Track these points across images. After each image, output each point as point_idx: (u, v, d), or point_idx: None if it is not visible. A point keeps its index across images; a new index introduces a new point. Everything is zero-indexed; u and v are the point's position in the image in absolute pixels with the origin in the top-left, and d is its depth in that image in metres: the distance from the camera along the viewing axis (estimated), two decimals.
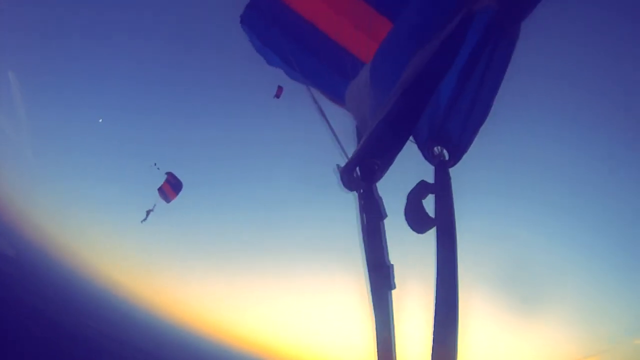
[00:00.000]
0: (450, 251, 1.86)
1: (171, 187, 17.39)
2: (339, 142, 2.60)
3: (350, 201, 2.19)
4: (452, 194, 1.98)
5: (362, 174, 2.04)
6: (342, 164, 2.10)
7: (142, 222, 18.74)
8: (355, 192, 2.11)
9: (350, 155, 2.20)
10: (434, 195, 2.01)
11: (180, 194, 17.72)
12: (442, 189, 2.00)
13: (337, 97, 4.03)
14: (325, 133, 2.88)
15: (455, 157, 2.10)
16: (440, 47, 1.71)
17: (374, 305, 1.92)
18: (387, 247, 2.01)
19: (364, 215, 2.08)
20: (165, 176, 17.33)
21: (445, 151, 2.15)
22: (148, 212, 18.45)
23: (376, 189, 2.10)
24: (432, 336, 1.76)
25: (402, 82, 1.85)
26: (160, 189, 17.31)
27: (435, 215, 1.95)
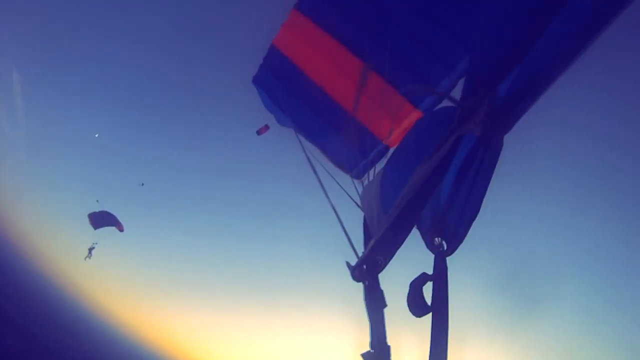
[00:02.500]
0: (443, 334, 2.09)
1: (118, 224, 17.02)
2: (349, 240, 2.99)
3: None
4: (447, 281, 2.25)
5: (367, 269, 2.53)
6: (350, 257, 2.73)
7: (85, 259, 17.89)
8: (362, 282, 2.55)
9: (355, 249, 2.85)
10: (431, 282, 2.29)
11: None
12: (439, 276, 2.28)
13: (345, 164, 4.41)
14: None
15: (453, 247, 2.41)
16: (436, 164, 2.13)
17: None
18: (386, 330, 2.37)
19: (369, 303, 2.48)
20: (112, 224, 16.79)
21: (444, 242, 2.48)
22: (90, 250, 17.64)
23: (378, 281, 2.52)
24: None
25: (405, 194, 2.26)
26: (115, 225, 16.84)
27: (432, 301, 2.21)
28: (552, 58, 1.78)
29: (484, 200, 2.24)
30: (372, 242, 2.56)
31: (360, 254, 2.80)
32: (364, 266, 2.55)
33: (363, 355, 2.30)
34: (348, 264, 2.68)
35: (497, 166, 2.13)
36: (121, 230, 16.87)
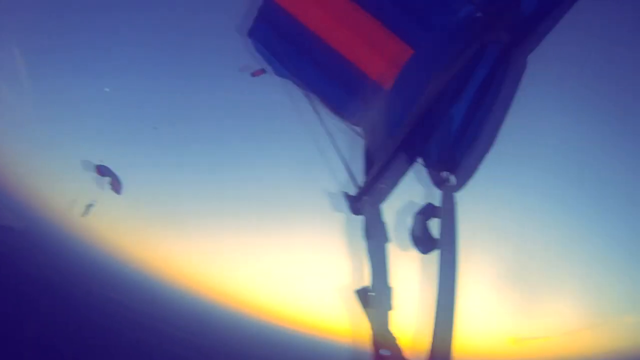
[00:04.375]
0: (451, 273, 1.95)
1: (117, 181, 17.10)
2: (347, 167, 2.71)
3: None
4: (456, 218, 2.07)
5: (369, 200, 2.26)
6: (346, 187, 2.39)
7: (82, 216, 18.16)
8: (361, 216, 2.29)
9: (354, 178, 2.48)
10: (439, 219, 2.10)
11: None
12: (447, 212, 2.09)
13: (344, 113, 4.29)
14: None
15: (462, 181, 2.20)
16: (453, 76, 1.91)
17: (374, 325, 2.03)
18: (389, 270, 2.15)
19: (370, 238, 2.24)
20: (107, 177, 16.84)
21: (452, 176, 2.23)
22: (88, 207, 17.84)
23: (381, 213, 2.27)
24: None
25: (416, 110, 2.02)
26: (110, 184, 16.94)
27: (440, 239, 2.04)
28: None
29: (501, 130, 2.04)
30: (375, 167, 2.27)
31: (359, 185, 2.48)
32: (366, 197, 2.28)
33: (358, 291, 2.09)
34: (346, 194, 2.38)
35: (517, 91, 1.93)
36: (117, 191, 17.09)
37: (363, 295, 2.08)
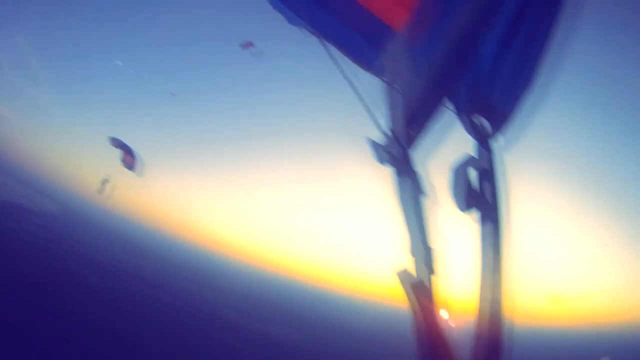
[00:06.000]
0: (495, 234, 1.75)
1: (130, 155, 17.01)
2: (370, 112, 2.46)
3: None
4: (496, 171, 1.85)
5: (400, 147, 2.00)
6: (371, 134, 2.11)
7: (99, 193, 18.57)
8: (392, 166, 2.05)
9: (379, 124, 2.20)
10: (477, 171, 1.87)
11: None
12: (485, 164, 1.87)
13: (362, 60, 4.08)
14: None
15: (497, 128, 1.94)
16: (482, 5, 1.68)
17: (414, 291, 1.82)
18: (428, 228, 1.94)
19: (404, 192, 2.00)
20: (120, 149, 16.76)
21: (486, 121, 1.98)
22: (103, 184, 18.24)
23: (414, 163, 2.02)
24: (475, 334, 1.69)
25: (443, 45, 1.77)
26: (123, 160, 16.92)
27: (479, 193, 1.83)
28: None
29: (541, 65, 1.76)
30: (404, 111, 2.02)
31: (385, 130, 2.20)
32: (394, 145, 2.03)
33: (399, 274, 1.88)
34: (372, 141, 2.11)
35: (558, 20, 1.66)
36: (131, 167, 17.20)
37: (405, 278, 1.86)
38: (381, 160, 2.07)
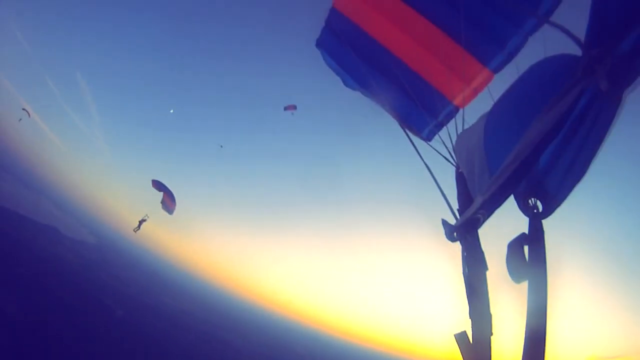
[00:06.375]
0: (541, 301, 1.92)
1: (170, 198, 17.67)
2: (445, 199, 2.82)
3: None
4: (544, 245, 2.07)
5: (468, 226, 2.28)
6: (445, 216, 2.46)
7: (134, 230, 19.29)
8: (460, 242, 2.33)
9: (452, 207, 2.66)
10: (529, 246, 2.10)
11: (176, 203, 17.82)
12: (535, 239, 2.10)
13: (416, 127, 4.21)
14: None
15: (549, 209, 2.22)
16: (555, 120, 1.86)
17: (475, 352, 2.04)
18: (489, 297, 2.16)
19: (470, 265, 2.26)
20: (162, 192, 17.49)
21: (539, 203, 2.28)
22: (141, 222, 19.02)
23: (479, 240, 2.29)
24: None
25: (520, 151, 1.99)
26: (162, 202, 17.64)
27: (529, 265, 2.03)
28: None
29: (593, 161, 1.99)
30: (479, 200, 2.30)
31: (456, 212, 2.59)
32: (464, 225, 2.32)
33: (457, 336, 2.08)
34: (445, 222, 2.45)
35: (614, 125, 1.88)
36: (169, 209, 17.80)
37: (462, 340, 2.08)
38: (451, 238, 2.38)
